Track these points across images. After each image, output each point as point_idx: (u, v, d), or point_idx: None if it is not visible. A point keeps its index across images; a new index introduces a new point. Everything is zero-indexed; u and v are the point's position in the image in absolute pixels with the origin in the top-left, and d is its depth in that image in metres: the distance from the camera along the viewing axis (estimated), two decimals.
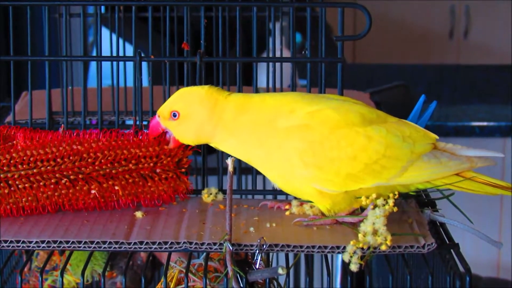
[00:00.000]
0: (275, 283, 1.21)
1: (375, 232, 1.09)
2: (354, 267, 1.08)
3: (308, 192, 1.16)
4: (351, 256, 1.08)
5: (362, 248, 1.08)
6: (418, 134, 1.18)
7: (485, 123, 2.83)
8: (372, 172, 1.14)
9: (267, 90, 1.56)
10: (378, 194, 1.14)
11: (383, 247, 1.08)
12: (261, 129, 1.16)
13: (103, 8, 1.79)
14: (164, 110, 1.19)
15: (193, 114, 1.18)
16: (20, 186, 1.18)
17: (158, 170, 1.24)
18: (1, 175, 1.17)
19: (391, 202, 1.11)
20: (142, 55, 1.30)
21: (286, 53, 2.16)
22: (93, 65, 2.05)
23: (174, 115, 1.18)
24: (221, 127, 1.17)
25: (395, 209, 1.11)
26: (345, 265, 1.13)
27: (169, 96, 1.38)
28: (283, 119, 1.15)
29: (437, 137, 1.19)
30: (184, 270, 1.15)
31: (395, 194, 1.13)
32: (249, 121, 1.16)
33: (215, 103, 1.17)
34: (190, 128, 1.19)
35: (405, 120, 1.21)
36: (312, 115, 1.15)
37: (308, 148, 1.14)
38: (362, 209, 1.17)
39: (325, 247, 1.11)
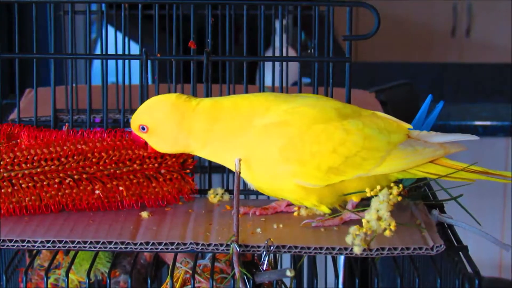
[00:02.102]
0: (281, 284, 1.20)
1: (379, 219, 1.08)
2: (357, 250, 1.07)
3: (291, 189, 1.16)
4: (354, 238, 1.07)
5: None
6: (392, 126, 1.19)
7: (488, 123, 2.83)
8: (352, 164, 1.15)
9: (273, 89, 1.55)
10: (360, 187, 1.15)
11: (387, 233, 1.07)
12: (236, 132, 1.15)
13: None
14: (133, 123, 1.18)
15: (161, 128, 1.16)
16: (23, 185, 1.17)
17: (162, 171, 1.23)
18: (5, 174, 1.17)
19: (395, 191, 1.10)
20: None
21: (291, 52, 2.15)
22: (96, 62, 2.04)
23: (143, 129, 1.17)
24: (193, 138, 1.16)
25: (399, 198, 1.10)
26: (351, 266, 1.12)
27: None
28: (260, 118, 1.15)
29: (410, 126, 1.20)
30: (190, 271, 1.14)
31: (399, 186, 1.12)
32: (222, 128, 1.15)
33: (182, 116, 1.15)
34: (160, 141, 1.18)
35: (378, 112, 1.22)
36: (289, 112, 1.15)
37: (288, 144, 1.13)
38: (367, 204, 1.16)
39: (333, 249, 1.10)
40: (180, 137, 1.16)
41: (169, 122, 1.16)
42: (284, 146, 1.13)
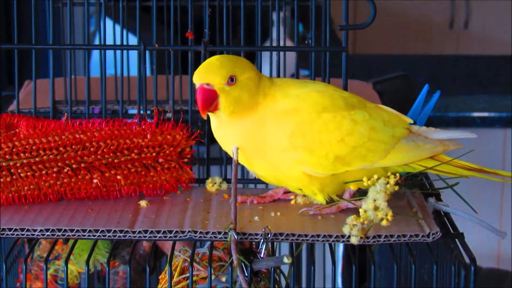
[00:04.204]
0: (279, 272, 1.21)
1: (376, 208, 1.08)
2: (354, 240, 1.08)
3: (297, 176, 1.17)
4: (351, 229, 1.07)
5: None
6: (395, 119, 1.20)
7: (486, 114, 2.82)
8: (358, 155, 1.16)
9: None
10: (361, 178, 1.15)
11: (384, 222, 1.07)
12: (268, 114, 1.16)
13: None
14: (220, 75, 1.13)
15: (248, 81, 1.14)
16: (22, 174, 1.18)
17: (160, 160, 1.24)
18: (3, 164, 1.17)
19: (392, 181, 1.11)
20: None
21: (289, 44, 2.15)
22: (95, 54, 2.05)
23: (232, 80, 1.13)
24: (261, 97, 1.15)
25: (396, 187, 1.11)
26: (348, 254, 1.13)
27: (173, 85, 1.38)
28: (279, 103, 1.16)
29: (411, 121, 1.22)
30: (189, 259, 1.15)
31: (396, 175, 1.13)
32: (270, 102, 1.16)
33: (257, 72, 1.17)
34: (243, 94, 1.14)
35: (381, 105, 1.23)
36: (300, 97, 1.16)
37: (297, 131, 1.14)
38: (364, 193, 1.17)
39: (330, 236, 1.11)
40: (256, 93, 1.15)
41: (255, 76, 1.15)
42: (293, 132, 1.14)
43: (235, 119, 1.15)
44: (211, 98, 1.13)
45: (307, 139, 1.15)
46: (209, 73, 1.13)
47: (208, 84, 1.13)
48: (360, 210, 1.09)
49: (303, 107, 1.15)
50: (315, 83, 1.20)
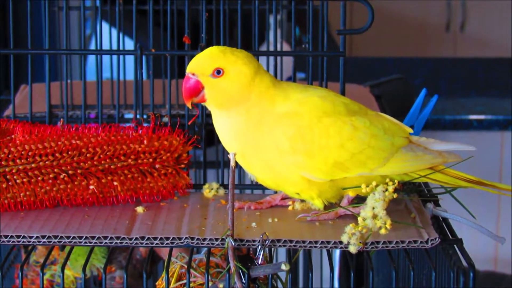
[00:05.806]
0: (276, 278, 1.20)
1: (374, 217, 1.08)
2: (353, 249, 1.07)
3: (295, 180, 1.16)
4: (350, 238, 1.07)
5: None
6: (395, 127, 1.20)
7: (483, 117, 2.82)
8: (358, 161, 1.16)
9: None
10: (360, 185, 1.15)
11: (383, 231, 1.07)
12: (265, 116, 1.15)
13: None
14: (205, 66, 1.14)
15: (238, 75, 1.14)
16: (18, 180, 1.17)
17: (157, 166, 1.23)
18: None
19: (391, 188, 1.10)
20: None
21: (285, 47, 2.15)
22: (91, 58, 2.04)
23: (218, 72, 1.13)
24: (254, 96, 1.15)
25: (395, 195, 1.10)
26: (345, 260, 1.12)
27: (169, 90, 1.37)
28: (279, 106, 1.15)
29: (411, 130, 1.22)
30: (186, 266, 1.14)
31: (394, 182, 1.12)
32: (268, 103, 1.15)
33: (257, 69, 1.15)
34: (231, 88, 1.14)
35: (381, 113, 1.23)
36: (302, 102, 1.15)
37: (298, 134, 1.14)
38: (363, 199, 1.16)
39: (328, 242, 1.10)
40: (246, 90, 1.14)
41: (248, 71, 1.14)
42: (293, 136, 1.14)
43: (228, 113, 1.15)
44: (194, 88, 1.14)
45: (307, 143, 1.14)
46: (195, 63, 1.14)
47: (193, 74, 1.14)
48: (359, 218, 1.08)
49: (304, 111, 1.15)
50: (317, 88, 1.20)
